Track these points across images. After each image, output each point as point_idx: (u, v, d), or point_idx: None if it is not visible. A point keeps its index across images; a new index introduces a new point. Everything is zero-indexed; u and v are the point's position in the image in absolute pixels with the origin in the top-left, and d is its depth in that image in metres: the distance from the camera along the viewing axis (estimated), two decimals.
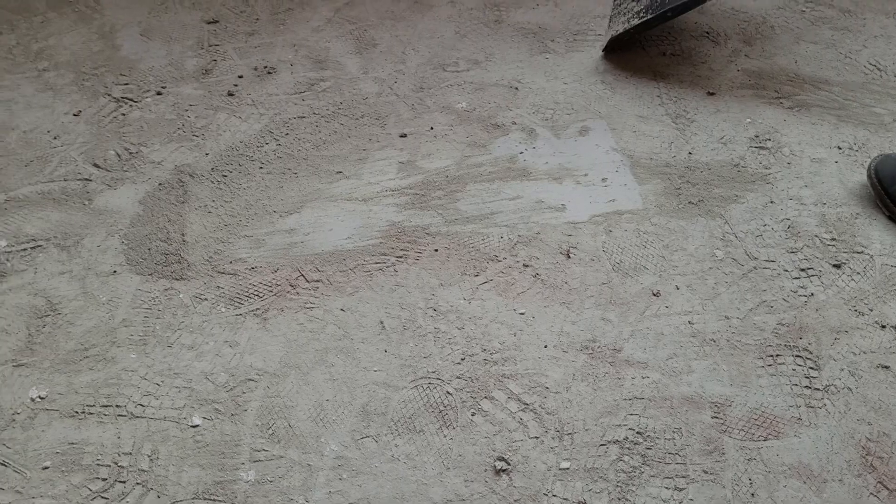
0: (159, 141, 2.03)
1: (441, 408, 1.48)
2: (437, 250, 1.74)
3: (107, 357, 1.57)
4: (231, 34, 2.38)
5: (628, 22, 2.16)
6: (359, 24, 2.41)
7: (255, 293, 1.68)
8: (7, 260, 1.76)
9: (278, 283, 1.70)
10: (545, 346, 1.57)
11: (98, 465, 1.41)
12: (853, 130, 1.99)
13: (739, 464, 1.39)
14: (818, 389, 1.48)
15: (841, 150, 1.94)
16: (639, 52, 2.26)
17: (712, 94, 2.12)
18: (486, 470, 1.40)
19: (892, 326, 1.58)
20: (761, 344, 1.56)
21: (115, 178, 1.94)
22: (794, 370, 1.52)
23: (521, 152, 1.96)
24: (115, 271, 1.73)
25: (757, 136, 1.98)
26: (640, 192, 1.86)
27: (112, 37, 2.38)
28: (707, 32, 2.32)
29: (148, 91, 2.19)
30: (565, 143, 1.98)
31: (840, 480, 1.37)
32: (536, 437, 1.43)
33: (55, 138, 2.05)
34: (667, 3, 2.10)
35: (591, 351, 1.56)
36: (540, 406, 1.47)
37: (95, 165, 1.97)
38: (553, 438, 1.43)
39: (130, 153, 2.00)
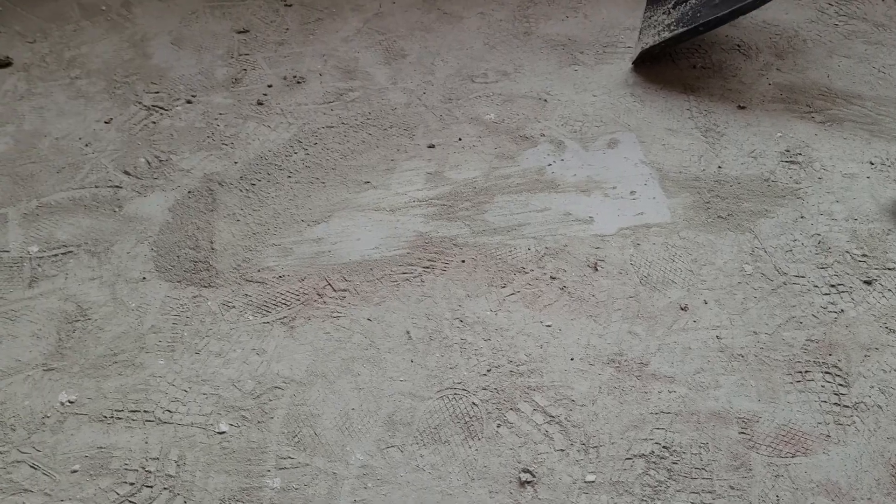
0: (189, 149, 2.06)
1: (467, 419, 1.48)
2: (464, 261, 1.75)
3: (135, 363, 1.59)
4: (261, 44, 2.41)
5: (659, 35, 2.15)
6: (388, 34, 2.43)
7: (283, 301, 1.69)
8: (39, 265, 1.78)
9: (305, 291, 1.70)
10: (571, 359, 1.56)
11: (126, 469, 1.43)
12: (886, 146, 1.97)
13: (767, 480, 1.37)
14: (847, 407, 1.46)
15: (873, 166, 1.92)
16: (669, 65, 2.25)
17: (743, 107, 2.10)
18: (511, 482, 1.39)
19: None
20: (790, 360, 1.54)
21: (145, 185, 1.96)
22: (823, 387, 1.50)
23: (550, 164, 1.96)
24: (144, 278, 1.75)
25: (788, 151, 1.97)
26: (668, 205, 1.84)
27: (143, 45, 2.42)
28: (738, 45, 2.31)
29: (178, 99, 2.21)
30: (594, 156, 1.98)
31: (869, 499, 1.34)
32: (562, 450, 1.42)
33: (87, 145, 2.08)
34: (699, 17, 2.09)
35: (617, 364, 1.55)
36: (566, 418, 1.47)
37: (126, 173, 2.00)
38: (579, 451, 1.42)
39: (160, 161, 2.03)
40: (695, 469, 1.39)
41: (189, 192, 1.94)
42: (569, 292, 1.68)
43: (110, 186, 1.96)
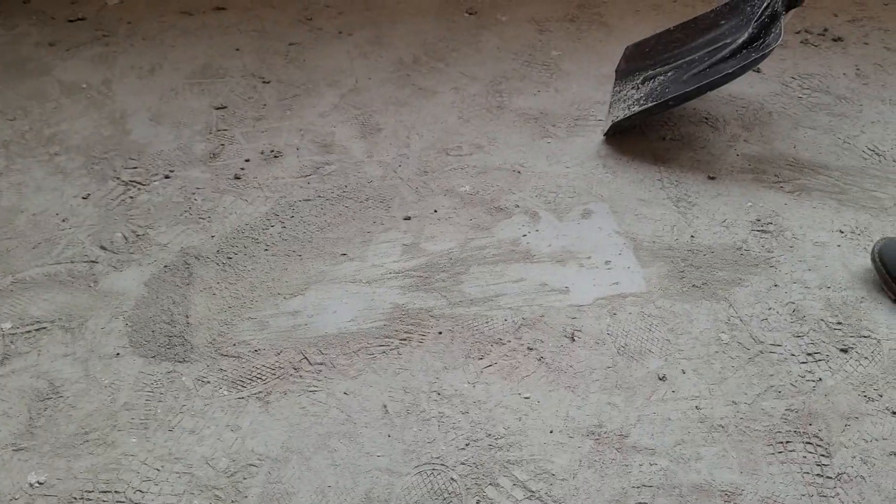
0: (166, 223, 2.06)
1: (445, 495, 1.45)
2: (440, 333, 1.74)
3: (107, 441, 1.55)
4: (239, 119, 2.44)
5: (629, 108, 2.21)
6: (364, 109, 2.47)
7: (258, 376, 1.67)
8: (11, 342, 1.75)
9: (281, 365, 1.69)
10: (551, 432, 1.55)
11: None
12: (854, 214, 2.01)
13: None
14: (830, 478, 1.46)
15: (843, 234, 1.96)
16: (639, 137, 2.31)
17: (713, 178, 2.15)
18: None
19: None
20: (770, 430, 1.54)
21: (121, 260, 1.95)
22: (804, 457, 1.49)
23: (525, 235, 1.98)
24: (118, 354, 1.72)
25: (758, 220, 2.00)
26: (643, 274, 1.86)
27: (122, 122, 2.44)
28: (706, 118, 2.37)
29: (156, 174, 2.22)
30: (568, 226, 2.00)
31: None
32: None
33: (63, 220, 2.07)
34: (667, 92, 2.16)
35: (597, 436, 1.53)
36: (546, 493, 1.45)
37: (102, 248, 1.99)
38: None
39: (137, 235, 2.02)
40: None
41: (165, 266, 1.93)
42: (546, 363, 1.67)
43: (86, 261, 1.95)
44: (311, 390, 1.63)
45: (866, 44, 2.72)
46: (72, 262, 1.95)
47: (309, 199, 2.12)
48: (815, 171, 2.16)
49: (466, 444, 1.53)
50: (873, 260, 1.81)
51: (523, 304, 1.80)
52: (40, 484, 1.48)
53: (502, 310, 1.79)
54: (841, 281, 1.84)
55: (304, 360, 1.70)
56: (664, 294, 1.81)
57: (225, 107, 2.49)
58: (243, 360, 1.70)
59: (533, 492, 1.45)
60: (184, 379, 1.67)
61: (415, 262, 1.92)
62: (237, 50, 2.77)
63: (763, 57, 2.05)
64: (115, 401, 1.63)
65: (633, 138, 2.30)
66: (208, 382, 1.66)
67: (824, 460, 1.48)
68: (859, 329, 1.72)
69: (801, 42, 2.74)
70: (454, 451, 1.51)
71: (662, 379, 1.63)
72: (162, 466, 1.51)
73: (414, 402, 1.60)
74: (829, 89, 2.50)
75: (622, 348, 1.70)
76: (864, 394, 1.59)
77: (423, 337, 1.73)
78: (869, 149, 2.23)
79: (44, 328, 1.78)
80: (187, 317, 1.80)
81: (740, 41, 2.14)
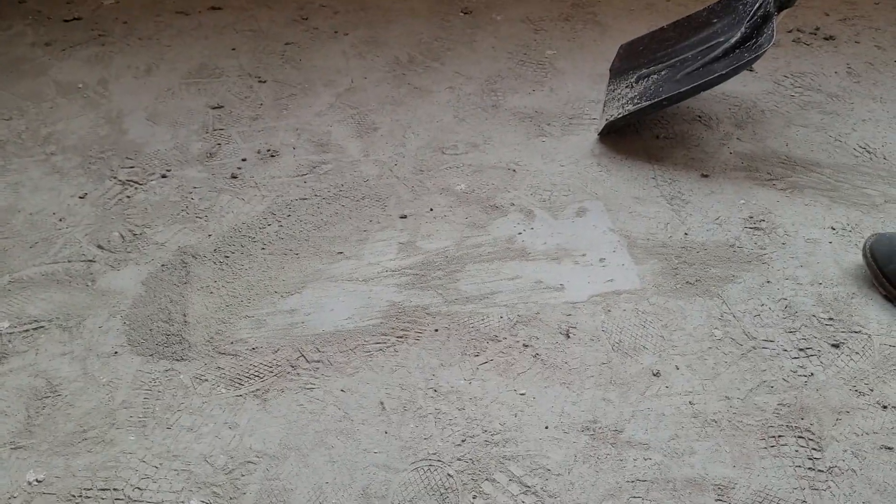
0: (163, 223, 2.07)
1: (442, 490, 1.46)
2: (437, 330, 1.75)
3: (105, 439, 1.56)
4: (235, 119, 2.45)
5: (623, 108, 2.23)
6: (360, 108, 2.48)
7: (256, 374, 1.68)
8: (9, 341, 1.76)
9: (279, 363, 1.70)
10: (546, 427, 1.56)
11: None
12: (846, 211, 2.03)
13: None
14: (822, 471, 1.47)
15: (835, 231, 1.97)
16: (633, 136, 2.32)
17: (706, 176, 2.16)
18: None
19: (893, 407, 1.58)
20: (763, 425, 1.55)
21: (118, 259, 1.96)
22: (796, 451, 1.51)
23: (520, 233, 1.99)
24: (116, 352, 1.73)
25: (751, 217, 2.02)
26: (637, 272, 1.88)
27: (119, 121, 2.45)
28: (699, 116, 2.39)
29: (153, 174, 2.23)
30: (563, 224, 2.02)
31: None
32: None
33: (60, 220, 2.08)
34: (661, 91, 2.17)
35: (592, 432, 1.55)
36: (542, 488, 1.46)
37: (99, 247, 2.00)
38: None
39: (134, 235, 2.03)
40: None
41: (163, 265, 1.94)
42: (542, 360, 1.69)
43: (83, 261, 1.96)
44: (309, 388, 1.65)
45: (857, 42, 2.74)
46: (69, 262, 1.96)
47: (305, 198, 2.13)
48: (807, 169, 2.17)
49: (463, 440, 1.54)
50: (864, 256, 1.82)
51: (519, 301, 1.81)
52: (39, 482, 1.49)
53: (498, 307, 1.80)
54: (832, 277, 1.85)
55: (302, 357, 1.71)
56: (658, 291, 1.83)
57: (221, 106, 2.50)
58: (241, 358, 1.71)
59: (529, 487, 1.46)
60: (182, 377, 1.68)
61: (411, 260, 1.93)
62: (233, 50, 2.78)
63: (756, 58, 2.07)
64: (113, 399, 1.64)
65: (627, 137, 2.32)
66: (206, 380, 1.67)
67: (816, 454, 1.50)
68: (850, 324, 1.74)
69: (793, 41, 2.76)
70: (450, 447, 1.53)
71: (656, 375, 1.65)
72: (160, 464, 1.52)
73: (410, 399, 1.62)
74: (821, 88, 2.51)
75: (616, 345, 1.71)
76: (856, 388, 1.61)
77: (420, 334, 1.75)
78: (860, 146, 2.25)
79: (42, 327, 1.79)
80: (185, 315, 1.81)
81: (733, 41, 2.16)
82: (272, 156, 2.29)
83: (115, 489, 1.48)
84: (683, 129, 2.35)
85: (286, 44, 2.81)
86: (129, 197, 2.16)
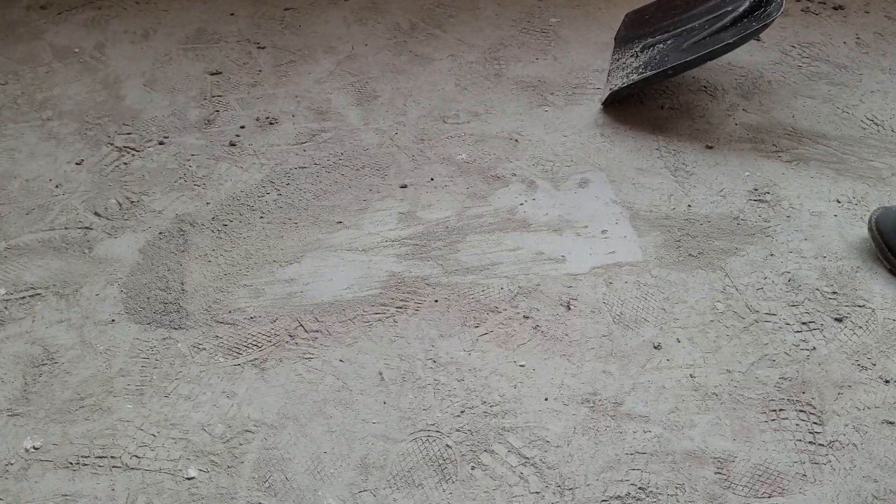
0: (160, 190, 2.04)
1: (440, 461, 1.46)
2: (436, 301, 1.74)
3: (103, 407, 1.56)
4: (234, 85, 2.41)
5: (627, 77, 2.19)
6: (360, 76, 2.45)
7: (254, 343, 1.67)
8: (6, 308, 1.75)
9: (277, 333, 1.69)
10: (546, 399, 1.55)
11: None
12: (852, 184, 2.00)
13: None
14: (822, 445, 1.47)
15: (840, 204, 1.95)
16: (637, 106, 2.29)
17: (711, 147, 2.13)
18: None
19: (895, 381, 1.57)
20: (764, 398, 1.54)
21: (115, 226, 1.94)
22: (797, 425, 1.50)
23: (521, 204, 1.97)
24: (113, 320, 1.72)
25: (756, 190, 2.00)
26: (639, 244, 1.86)
27: (116, 87, 2.41)
28: (705, 87, 2.36)
29: (150, 141, 2.21)
30: (565, 195, 1.99)
31: None
32: (537, 493, 1.41)
33: (57, 187, 2.06)
34: (666, 61, 2.14)
35: (592, 404, 1.54)
36: (541, 460, 1.45)
37: (96, 214, 1.98)
38: (554, 493, 1.41)
39: (131, 202, 2.01)
40: None
41: (160, 233, 1.92)
42: (542, 332, 1.68)
43: (80, 228, 1.94)
44: (307, 357, 1.64)
45: (867, 12, 2.69)
46: (66, 229, 1.94)
47: (304, 167, 2.10)
48: (814, 141, 2.15)
49: (462, 412, 1.53)
50: (870, 229, 1.80)
51: (519, 272, 1.80)
52: (36, 449, 1.49)
53: (498, 278, 1.78)
54: (837, 250, 1.84)
55: (300, 327, 1.69)
56: (660, 263, 1.81)
57: (220, 72, 2.46)
58: (239, 328, 1.70)
59: (527, 458, 1.46)
60: (179, 346, 1.67)
61: (411, 230, 1.91)
62: (231, 15, 2.74)
63: (764, 27, 2.03)
64: (110, 367, 1.63)
65: (631, 107, 2.29)
66: (204, 349, 1.66)
67: (817, 428, 1.49)
68: (854, 298, 1.73)
69: (802, 10, 2.71)
70: (449, 418, 1.52)
71: (657, 347, 1.64)
72: (158, 432, 1.51)
73: (410, 370, 1.61)
74: (829, 58, 2.47)
75: (618, 317, 1.70)
76: (858, 363, 1.60)
77: (420, 305, 1.73)
78: (868, 118, 2.22)
79: (38, 294, 1.78)
80: (182, 284, 1.79)
81: (741, 9, 2.12)
82: (271, 123, 2.26)
83: (112, 457, 1.48)
84: (689, 99, 2.32)
85: (285, 9, 2.76)
86: (126, 164, 2.13)
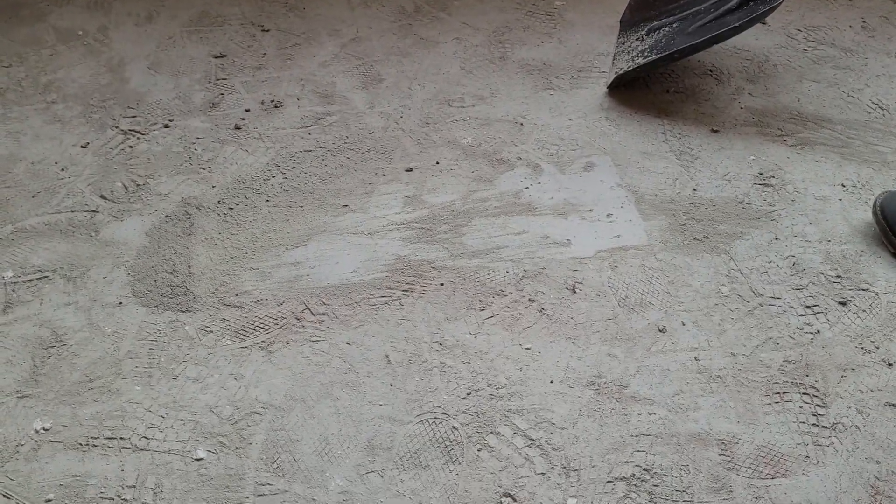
0: (166, 173, 2.05)
1: (447, 443, 1.47)
2: (442, 284, 1.75)
3: (111, 389, 1.57)
4: (238, 68, 2.41)
5: (633, 60, 2.19)
6: (365, 59, 2.44)
7: (261, 326, 1.68)
8: (13, 290, 1.76)
9: (284, 315, 1.70)
10: (551, 382, 1.56)
11: (101, 497, 1.40)
12: (857, 168, 2.01)
13: (747, 502, 1.38)
14: (826, 427, 1.48)
15: (845, 188, 1.95)
16: (643, 90, 2.29)
17: (716, 131, 2.13)
18: None
19: None
20: (768, 381, 1.55)
21: (121, 209, 1.95)
22: (801, 408, 1.51)
23: (527, 187, 1.97)
24: (120, 303, 1.73)
25: (761, 174, 2.00)
26: (644, 227, 1.86)
27: (121, 70, 2.41)
28: (710, 70, 2.35)
29: (155, 124, 2.21)
30: (570, 179, 2.00)
31: None
32: (543, 474, 1.42)
33: (63, 170, 2.06)
34: (672, 44, 2.13)
35: (597, 387, 1.55)
36: (546, 442, 1.47)
37: (102, 197, 1.98)
38: (559, 475, 1.42)
39: (137, 185, 2.01)
40: (676, 491, 1.39)
41: (166, 216, 1.93)
42: (547, 315, 1.68)
43: (86, 211, 1.95)
44: (314, 340, 1.65)
45: None
46: (72, 212, 1.94)
47: (310, 150, 2.10)
48: (819, 125, 2.14)
49: (468, 394, 1.54)
50: (874, 213, 1.81)
51: (525, 256, 1.80)
52: (46, 430, 1.50)
53: (504, 262, 1.79)
54: (841, 234, 1.84)
55: (307, 310, 1.70)
56: (665, 247, 1.82)
57: (224, 55, 2.46)
58: (246, 310, 1.71)
59: (533, 440, 1.47)
60: (187, 328, 1.68)
61: (417, 213, 1.91)
62: None
63: (771, 10, 2.02)
64: (118, 349, 1.64)
65: (636, 91, 2.28)
66: (211, 332, 1.67)
67: (820, 410, 1.50)
68: (858, 282, 1.73)
69: None
70: (456, 401, 1.53)
71: (662, 331, 1.64)
72: (167, 414, 1.53)
73: (416, 353, 1.62)
74: (835, 42, 2.47)
75: (623, 300, 1.71)
76: (861, 346, 1.61)
77: (425, 288, 1.74)
78: (873, 102, 2.22)
79: (46, 277, 1.79)
80: (189, 267, 1.80)
81: None
82: (276, 107, 2.26)
83: (121, 438, 1.49)
84: (694, 83, 2.31)
85: None
86: (131, 147, 2.13)
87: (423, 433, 1.49)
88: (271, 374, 1.59)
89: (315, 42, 2.52)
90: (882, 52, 2.42)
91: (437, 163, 2.06)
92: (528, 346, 1.63)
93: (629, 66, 2.19)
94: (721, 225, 1.87)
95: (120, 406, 1.54)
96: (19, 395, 1.56)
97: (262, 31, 2.57)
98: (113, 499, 1.40)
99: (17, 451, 1.47)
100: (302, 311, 1.70)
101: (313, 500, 1.39)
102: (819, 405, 1.51)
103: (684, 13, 2.24)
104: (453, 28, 2.57)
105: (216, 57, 2.46)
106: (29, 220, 1.92)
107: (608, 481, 1.41)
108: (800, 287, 1.73)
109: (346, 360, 1.61)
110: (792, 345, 1.62)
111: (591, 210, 1.91)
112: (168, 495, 1.40)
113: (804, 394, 1.53)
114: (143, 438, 1.49)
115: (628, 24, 2.37)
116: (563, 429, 1.49)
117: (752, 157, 2.05)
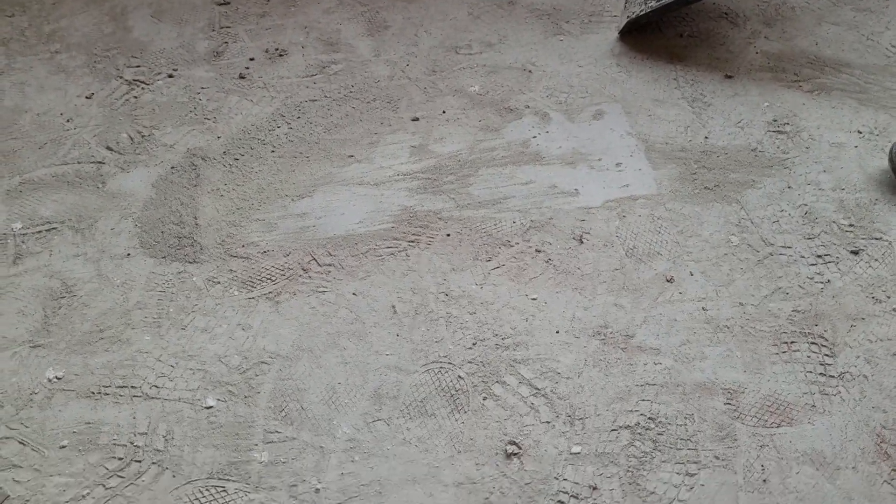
0: (171, 124, 2.03)
1: (453, 392, 1.48)
2: (448, 235, 1.74)
3: (122, 339, 1.58)
4: (242, 16, 2.37)
5: (646, 4, 2.13)
6: (370, 5, 2.39)
7: (268, 277, 1.68)
8: (23, 242, 1.77)
9: (290, 266, 1.70)
10: (557, 332, 1.56)
11: (114, 444, 1.43)
12: (874, 114, 1.96)
13: (752, 450, 1.38)
14: (833, 377, 1.47)
15: (861, 135, 1.91)
16: (655, 34, 2.24)
17: (730, 77, 2.09)
18: (497, 454, 1.40)
19: None
20: (776, 331, 1.55)
21: (127, 161, 1.94)
22: (808, 357, 1.50)
23: (535, 136, 1.95)
24: (128, 254, 1.74)
25: (775, 121, 1.96)
26: (654, 176, 1.84)
27: (123, 18, 2.38)
28: (726, 13, 2.29)
29: (160, 73, 2.18)
30: (579, 127, 1.97)
31: (853, 468, 1.36)
32: (548, 422, 1.43)
33: (68, 121, 2.05)
34: None
35: (603, 337, 1.55)
36: (551, 391, 1.47)
37: (108, 148, 1.97)
38: (564, 423, 1.43)
39: (143, 136, 2.00)
40: (680, 440, 1.40)
41: (172, 167, 1.92)
42: (554, 265, 1.67)
43: (93, 162, 1.94)
44: (321, 291, 1.65)
45: None
46: (79, 163, 1.94)
47: (315, 100, 2.08)
48: (837, 70, 2.09)
49: (473, 344, 1.55)
50: (891, 161, 1.77)
51: (532, 206, 1.79)
52: (58, 379, 1.52)
53: (511, 212, 1.78)
54: (856, 182, 1.81)
55: (313, 261, 1.70)
56: (675, 196, 1.80)
57: (227, 2, 2.42)
58: (253, 261, 1.71)
59: (538, 389, 1.47)
60: (195, 279, 1.68)
61: (423, 163, 1.90)
62: None
63: None
64: (127, 300, 1.65)
65: (648, 35, 2.23)
66: (219, 283, 1.67)
67: (828, 360, 1.50)
68: (871, 231, 1.71)
69: None
70: (461, 350, 1.54)
71: (670, 281, 1.63)
72: (176, 363, 1.54)
73: (422, 303, 1.62)
74: None
75: (630, 250, 1.69)
76: (872, 295, 1.59)
77: (432, 239, 1.73)
78: (893, 46, 2.16)
79: (54, 228, 1.79)
80: (196, 218, 1.80)
81: None
82: (280, 55, 2.23)
83: (132, 387, 1.51)
84: (709, 26, 2.26)
85: None
86: (136, 97, 2.12)
87: (429, 382, 1.49)
88: (278, 325, 1.60)
89: None
90: None
91: (444, 112, 2.03)
92: (535, 296, 1.62)
93: (642, 10, 2.13)
94: (733, 173, 1.84)
95: (130, 355, 1.56)
96: (32, 344, 1.58)
97: None
98: (125, 445, 1.42)
99: (31, 400, 1.49)
100: (308, 262, 1.70)
101: (321, 447, 1.41)
102: (827, 354, 1.51)
103: None
104: None
105: (219, 4, 2.42)
106: (36, 172, 1.92)
107: (613, 430, 1.42)
108: (811, 236, 1.71)
109: (353, 310, 1.61)
110: (801, 294, 1.60)
111: (599, 159, 1.89)
112: (179, 442, 1.43)
113: (812, 343, 1.52)
114: (153, 387, 1.51)
115: None
116: (568, 378, 1.49)
117: (767, 104, 2.01)
